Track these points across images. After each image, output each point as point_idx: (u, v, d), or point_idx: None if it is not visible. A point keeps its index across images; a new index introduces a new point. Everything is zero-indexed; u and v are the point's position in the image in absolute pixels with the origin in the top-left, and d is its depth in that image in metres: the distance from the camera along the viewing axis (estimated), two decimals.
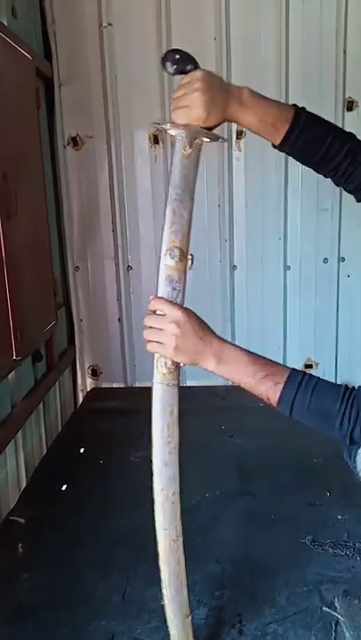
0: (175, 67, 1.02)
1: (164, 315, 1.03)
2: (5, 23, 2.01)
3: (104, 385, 3.03)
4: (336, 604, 1.42)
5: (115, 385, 3.02)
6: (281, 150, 1.09)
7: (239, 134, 2.72)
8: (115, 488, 2.03)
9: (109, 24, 2.62)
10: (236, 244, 2.85)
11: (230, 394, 2.77)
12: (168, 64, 1.03)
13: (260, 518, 1.82)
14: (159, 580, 1.46)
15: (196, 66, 1.02)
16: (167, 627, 1.25)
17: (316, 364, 2.90)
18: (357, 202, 1.15)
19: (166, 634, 1.27)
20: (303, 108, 1.09)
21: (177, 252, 1.01)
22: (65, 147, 2.75)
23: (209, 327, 1.05)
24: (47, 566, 1.62)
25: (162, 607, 1.38)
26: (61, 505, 1.95)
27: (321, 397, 0.99)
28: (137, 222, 2.85)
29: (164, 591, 1.19)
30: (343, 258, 2.83)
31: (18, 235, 1.94)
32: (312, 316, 2.90)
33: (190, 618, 1.23)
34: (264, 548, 1.67)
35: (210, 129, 1.03)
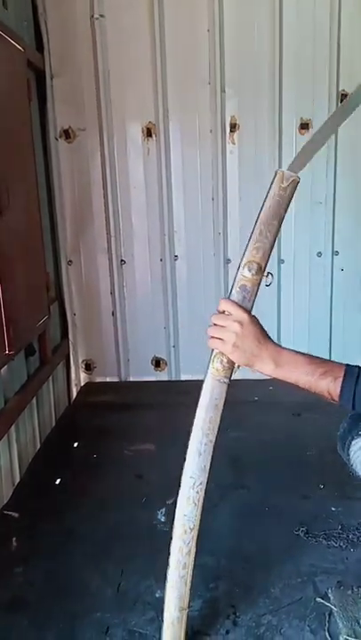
0: None
1: (230, 315, 1.10)
2: None
3: (98, 379, 3.03)
4: (330, 595, 1.43)
5: (108, 379, 3.02)
6: None
7: (233, 127, 2.71)
8: (109, 482, 2.03)
9: (101, 15, 2.60)
10: (229, 238, 2.84)
11: None
12: None
13: (255, 510, 1.83)
14: (153, 573, 1.47)
15: None
16: (162, 617, 1.25)
17: None
18: None
19: (161, 625, 1.27)
20: None
21: (255, 265, 1.10)
22: (57, 139, 2.73)
23: (269, 335, 1.12)
24: (41, 560, 1.62)
25: (157, 599, 1.38)
26: (55, 499, 1.95)
27: None
28: (130, 216, 2.84)
29: (168, 577, 1.20)
30: (337, 252, 2.84)
31: (9, 228, 1.93)
32: (306, 310, 2.91)
33: (187, 612, 1.23)
34: (258, 540, 1.68)
35: None
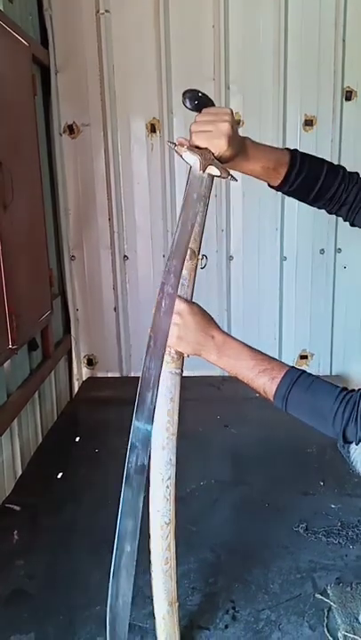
0: (196, 103, 1.16)
1: None
2: (1, 8, 1.98)
3: (99, 374, 3.04)
4: (329, 591, 1.44)
5: (110, 374, 3.03)
6: (279, 190, 1.17)
7: (237, 123, 2.68)
8: (110, 476, 2.04)
9: (107, 10, 2.59)
10: (232, 235, 2.84)
11: (226, 384, 2.78)
12: (188, 101, 1.16)
13: (255, 507, 1.84)
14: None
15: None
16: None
17: (312, 355, 2.91)
18: (351, 225, 1.28)
19: None
20: (296, 150, 1.16)
21: (189, 251, 1.10)
22: (61, 135, 2.72)
23: (214, 322, 1.11)
24: (42, 553, 1.63)
25: None
26: (57, 493, 1.96)
27: (316, 395, 1.01)
28: (133, 211, 2.84)
29: (152, 573, 1.20)
30: (340, 249, 2.84)
31: (13, 223, 1.93)
32: (308, 307, 2.91)
33: (178, 605, 1.23)
34: (258, 536, 1.69)
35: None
